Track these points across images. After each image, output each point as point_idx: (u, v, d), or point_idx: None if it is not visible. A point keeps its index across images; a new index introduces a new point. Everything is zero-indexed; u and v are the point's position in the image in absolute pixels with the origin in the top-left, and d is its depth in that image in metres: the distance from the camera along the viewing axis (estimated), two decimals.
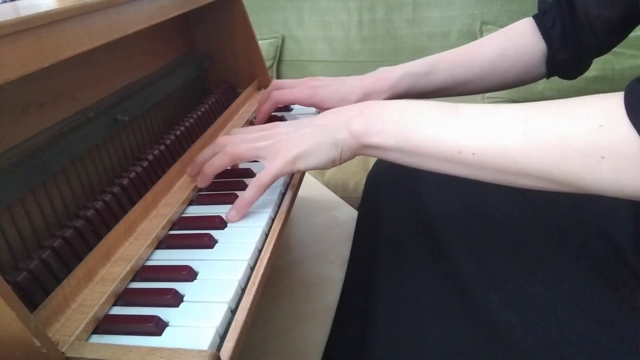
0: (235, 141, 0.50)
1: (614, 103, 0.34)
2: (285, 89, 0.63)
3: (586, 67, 0.62)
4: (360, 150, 0.47)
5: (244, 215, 0.47)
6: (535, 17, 0.61)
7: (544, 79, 0.64)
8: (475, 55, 0.62)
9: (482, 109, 0.42)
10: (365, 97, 0.61)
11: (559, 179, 0.37)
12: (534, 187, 0.40)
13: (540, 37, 0.59)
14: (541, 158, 0.37)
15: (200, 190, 0.53)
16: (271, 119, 0.66)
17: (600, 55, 0.60)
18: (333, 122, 0.48)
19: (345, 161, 0.48)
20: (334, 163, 0.48)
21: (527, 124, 0.38)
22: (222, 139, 0.51)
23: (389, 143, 0.45)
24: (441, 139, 0.42)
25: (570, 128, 0.36)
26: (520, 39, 0.60)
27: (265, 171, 0.47)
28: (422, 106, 0.45)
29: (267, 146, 0.48)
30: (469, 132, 0.41)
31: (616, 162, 0.34)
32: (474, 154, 0.40)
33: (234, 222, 0.46)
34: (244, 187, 0.52)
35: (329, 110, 0.50)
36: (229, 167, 0.52)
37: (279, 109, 0.72)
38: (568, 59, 0.59)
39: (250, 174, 0.55)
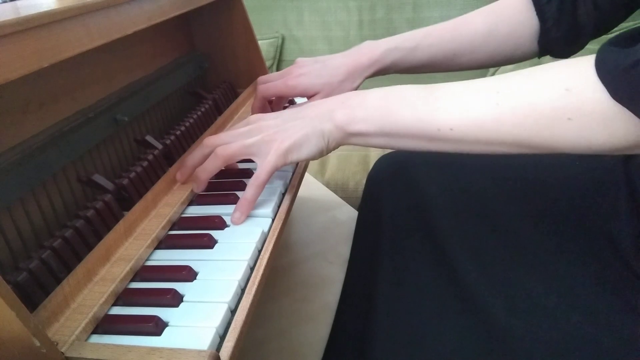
0: (223, 140, 0.50)
1: (581, 67, 0.36)
2: (270, 82, 0.62)
3: (579, 47, 0.60)
4: (346, 139, 0.49)
5: (248, 214, 0.47)
6: None
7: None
8: (466, 30, 0.61)
9: (457, 86, 0.44)
10: (349, 75, 0.60)
11: (532, 143, 0.39)
12: (510, 153, 0.42)
13: (534, 13, 0.57)
14: (514, 127, 0.39)
15: None
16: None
17: (596, 37, 0.59)
18: (317, 114, 0.49)
19: (331, 151, 0.49)
20: (321, 153, 0.49)
21: (498, 95, 0.40)
22: (209, 140, 0.51)
23: (373, 129, 0.46)
24: (421, 119, 0.44)
25: (538, 95, 0.38)
26: (512, 15, 0.59)
27: (261, 168, 0.47)
28: (402, 90, 0.47)
29: (257, 142, 0.48)
30: (446, 110, 0.43)
31: (583, 122, 0.36)
32: (451, 129, 0.42)
33: (239, 223, 0.47)
34: (243, 187, 0.52)
35: (312, 102, 0.51)
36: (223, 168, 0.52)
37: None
38: (561, 37, 0.57)
39: (249, 174, 0.55)
